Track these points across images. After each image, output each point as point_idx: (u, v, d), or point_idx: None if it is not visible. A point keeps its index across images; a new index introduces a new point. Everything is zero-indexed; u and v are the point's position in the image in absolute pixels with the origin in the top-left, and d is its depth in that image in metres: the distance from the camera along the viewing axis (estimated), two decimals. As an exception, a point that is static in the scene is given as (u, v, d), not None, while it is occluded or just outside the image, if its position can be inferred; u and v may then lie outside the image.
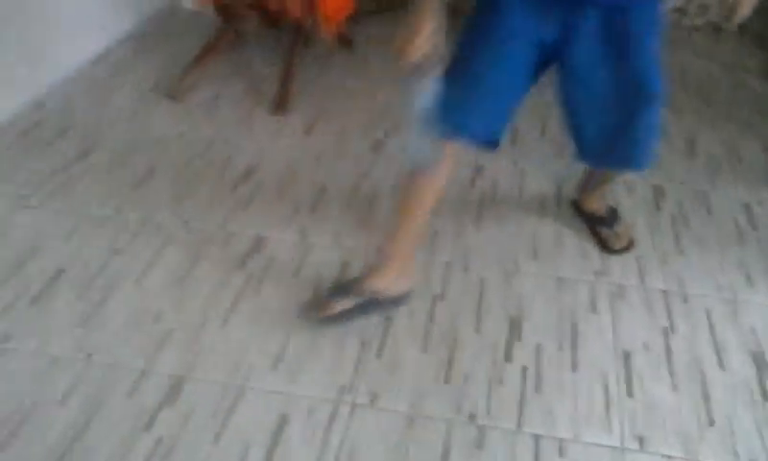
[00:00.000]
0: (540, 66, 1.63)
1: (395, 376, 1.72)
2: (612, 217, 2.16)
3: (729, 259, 2.08)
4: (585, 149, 1.76)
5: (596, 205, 2.17)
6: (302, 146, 2.56)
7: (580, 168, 2.10)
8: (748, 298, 1.94)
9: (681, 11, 3.44)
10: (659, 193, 2.32)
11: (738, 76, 3.08)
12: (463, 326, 1.85)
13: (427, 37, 1.45)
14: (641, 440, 1.58)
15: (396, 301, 1.87)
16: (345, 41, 3.29)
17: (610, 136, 1.69)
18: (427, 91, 1.52)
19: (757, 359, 1.77)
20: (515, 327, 1.84)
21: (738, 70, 3.13)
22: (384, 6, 3.60)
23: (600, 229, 2.14)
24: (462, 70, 1.60)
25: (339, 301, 1.82)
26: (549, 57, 1.61)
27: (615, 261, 2.06)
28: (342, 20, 3.07)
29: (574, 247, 2.11)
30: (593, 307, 1.90)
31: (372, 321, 1.85)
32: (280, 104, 2.80)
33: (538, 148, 2.54)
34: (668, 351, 1.79)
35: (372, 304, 1.84)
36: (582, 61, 1.59)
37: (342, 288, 1.86)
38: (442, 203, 2.23)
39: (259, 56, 3.16)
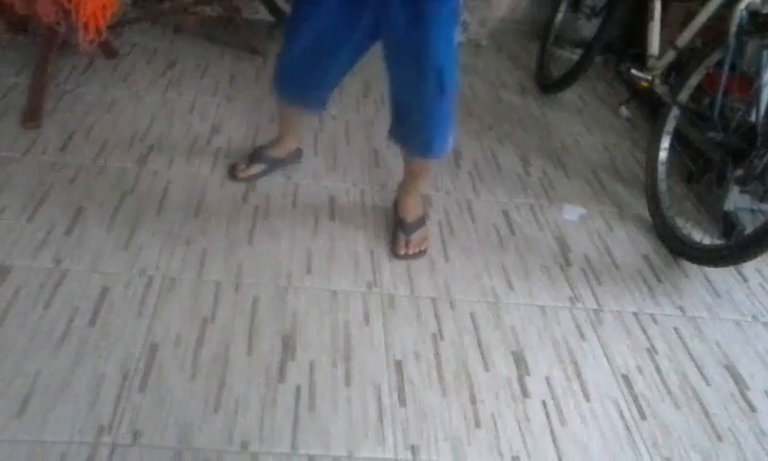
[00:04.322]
0: (362, 44, 1.90)
1: (161, 409, 1.60)
2: (415, 225, 2.19)
3: (491, 264, 2.19)
4: (394, 126, 2.02)
5: (408, 211, 2.21)
6: (57, 162, 2.33)
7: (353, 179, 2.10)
8: (508, 300, 2.06)
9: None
10: (426, 202, 2.40)
11: (497, 90, 3.30)
12: (234, 348, 1.77)
13: None
14: (414, 449, 1.60)
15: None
16: (108, 50, 3.07)
17: (412, 121, 1.94)
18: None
19: (517, 358, 1.87)
20: (288, 346, 1.79)
21: (497, 85, 3.35)
22: (149, 14, 3.43)
23: (397, 232, 2.18)
24: (292, 44, 1.95)
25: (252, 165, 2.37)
26: (370, 36, 1.87)
27: (387, 271, 2.09)
28: (103, 27, 2.86)
29: (348, 259, 2.11)
30: (366, 319, 1.91)
31: (136, 350, 1.71)
32: (31, 116, 2.54)
33: (311, 163, 2.52)
34: (437, 356, 1.83)
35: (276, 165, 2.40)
36: (392, 43, 1.85)
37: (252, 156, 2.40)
38: (210, 219, 2.16)
39: (7, 63, 2.85)
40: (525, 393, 1.77)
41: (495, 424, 1.68)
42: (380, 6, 1.77)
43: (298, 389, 1.69)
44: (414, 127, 1.96)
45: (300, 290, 1.97)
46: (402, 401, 1.70)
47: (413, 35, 1.76)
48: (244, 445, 1.55)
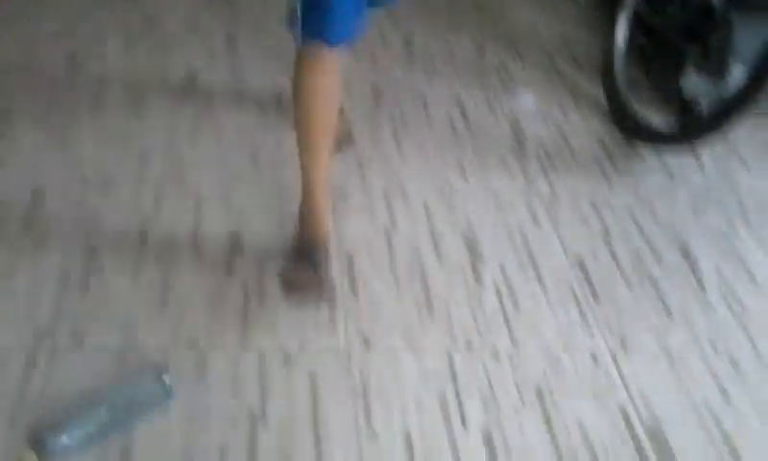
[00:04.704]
0: None
1: (103, 310, 1.54)
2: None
3: (445, 153, 2.13)
4: None
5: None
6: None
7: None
8: (462, 188, 2.01)
9: None
10: (378, 94, 2.31)
11: (451, -23, 3.17)
12: (181, 244, 1.71)
13: None
14: (366, 339, 1.58)
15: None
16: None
17: None
18: None
19: (470, 245, 1.84)
20: (234, 243, 1.74)
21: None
22: None
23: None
24: None
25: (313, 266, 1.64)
26: None
27: (338, 165, 2.01)
28: None
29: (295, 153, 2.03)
30: (316, 212, 1.85)
31: (75, 252, 1.64)
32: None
33: (256, 54, 2.40)
34: (390, 247, 1.80)
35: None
36: None
37: (300, 253, 1.65)
38: (150, 115, 2.06)
39: None
40: (479, 280, 1.75)
41: (448, 312, 1.66)
42: None
43: (246, 284, 1.64)
44: None
45: (246, 183, 1.90)
46: (354, 293, 1.67)
47: None
48: (191, 343, 1.51)
